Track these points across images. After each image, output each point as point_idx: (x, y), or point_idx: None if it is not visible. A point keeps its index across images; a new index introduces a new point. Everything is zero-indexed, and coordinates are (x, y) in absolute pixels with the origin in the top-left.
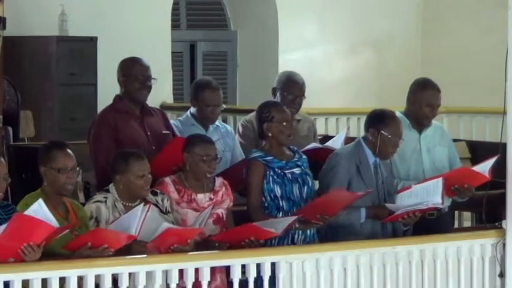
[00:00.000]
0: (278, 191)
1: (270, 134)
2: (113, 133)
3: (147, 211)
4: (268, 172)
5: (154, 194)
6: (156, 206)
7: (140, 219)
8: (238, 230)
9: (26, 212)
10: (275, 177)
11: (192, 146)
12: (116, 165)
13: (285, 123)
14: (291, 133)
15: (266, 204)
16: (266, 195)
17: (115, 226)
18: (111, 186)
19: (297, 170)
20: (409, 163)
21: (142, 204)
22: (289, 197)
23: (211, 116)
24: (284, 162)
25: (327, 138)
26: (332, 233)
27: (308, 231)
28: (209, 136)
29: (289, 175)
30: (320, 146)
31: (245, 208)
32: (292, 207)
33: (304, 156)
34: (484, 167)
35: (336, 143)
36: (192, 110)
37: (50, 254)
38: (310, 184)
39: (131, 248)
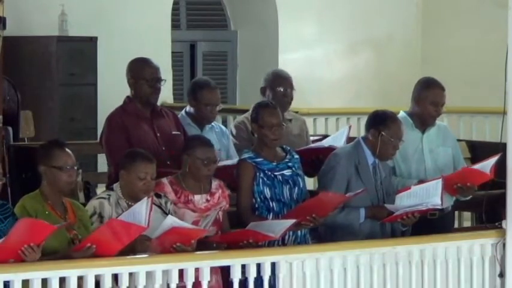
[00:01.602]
0: (268, 192)
1: (255, 135)
2: (123, 133)
3: (152, 202)
4: (258, 174)
5: (158, 196)
6: (160, 207)
7: (147, 210)
8: (237, 233)
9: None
10: (265, 179)
11: (192, 149)
12: (124, 160)
13: (271, 128)
14: (277, 138)
15: (256, 206)
16: (256, 197)
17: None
18: (116, 185)
19: (287, 172)
20: (411, 162)
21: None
22: (279, 198)
23: (210, 115)
24: (274, 164)
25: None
26: (331, 233)
27: (299, 231)
28: (208, 136)
29: (280, 177)
30: (325, 145)
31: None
32: (282, 209)
33: (296, 156)
34: (486, 166)
35: (338, 141)
36: (188, 109)
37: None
38: (301, 185)
39: (136, 244)
